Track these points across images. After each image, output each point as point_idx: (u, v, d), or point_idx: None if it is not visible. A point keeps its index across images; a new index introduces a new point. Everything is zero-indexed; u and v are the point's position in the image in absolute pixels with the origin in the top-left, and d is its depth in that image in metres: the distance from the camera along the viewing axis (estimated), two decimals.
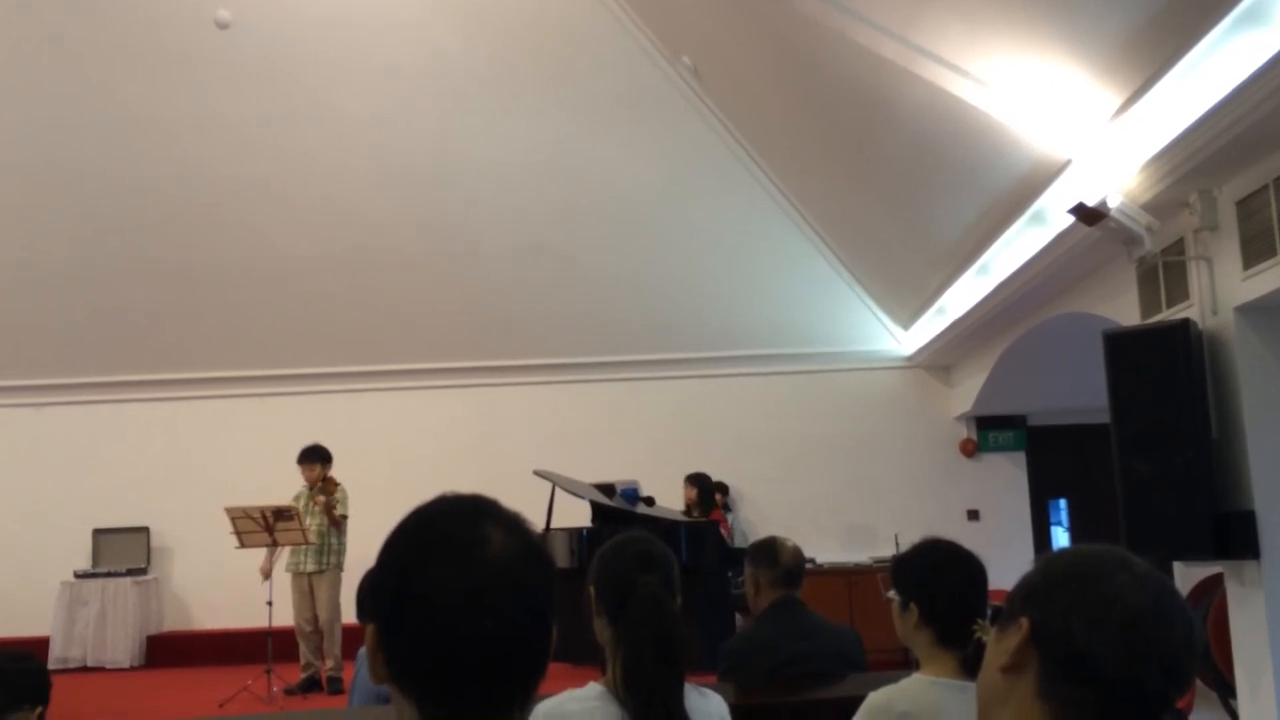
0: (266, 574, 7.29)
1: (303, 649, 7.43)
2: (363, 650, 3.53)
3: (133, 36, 8.48)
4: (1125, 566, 1.11)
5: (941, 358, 9.45)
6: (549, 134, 8.89)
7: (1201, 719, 5.20)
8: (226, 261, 9.23)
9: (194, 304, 9.44)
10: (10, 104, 8.64)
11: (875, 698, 2.17)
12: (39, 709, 3.00)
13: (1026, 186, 5.59)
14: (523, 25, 8.61)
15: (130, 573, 9.22)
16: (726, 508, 9.13)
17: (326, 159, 8.90)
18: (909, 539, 2.46)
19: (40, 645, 8.30)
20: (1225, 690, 4.83)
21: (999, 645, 1.15)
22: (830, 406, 9.65)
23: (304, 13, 8.48)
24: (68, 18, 8.41)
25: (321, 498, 7.44)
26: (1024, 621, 1.12)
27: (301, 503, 7.49)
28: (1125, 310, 5.44)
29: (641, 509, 7.82)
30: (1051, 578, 1.14)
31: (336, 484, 7.58)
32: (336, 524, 7.45)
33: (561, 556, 7.31)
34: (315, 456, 7.59)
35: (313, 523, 7.38)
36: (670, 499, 8.41)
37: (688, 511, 8.38)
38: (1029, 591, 1.15)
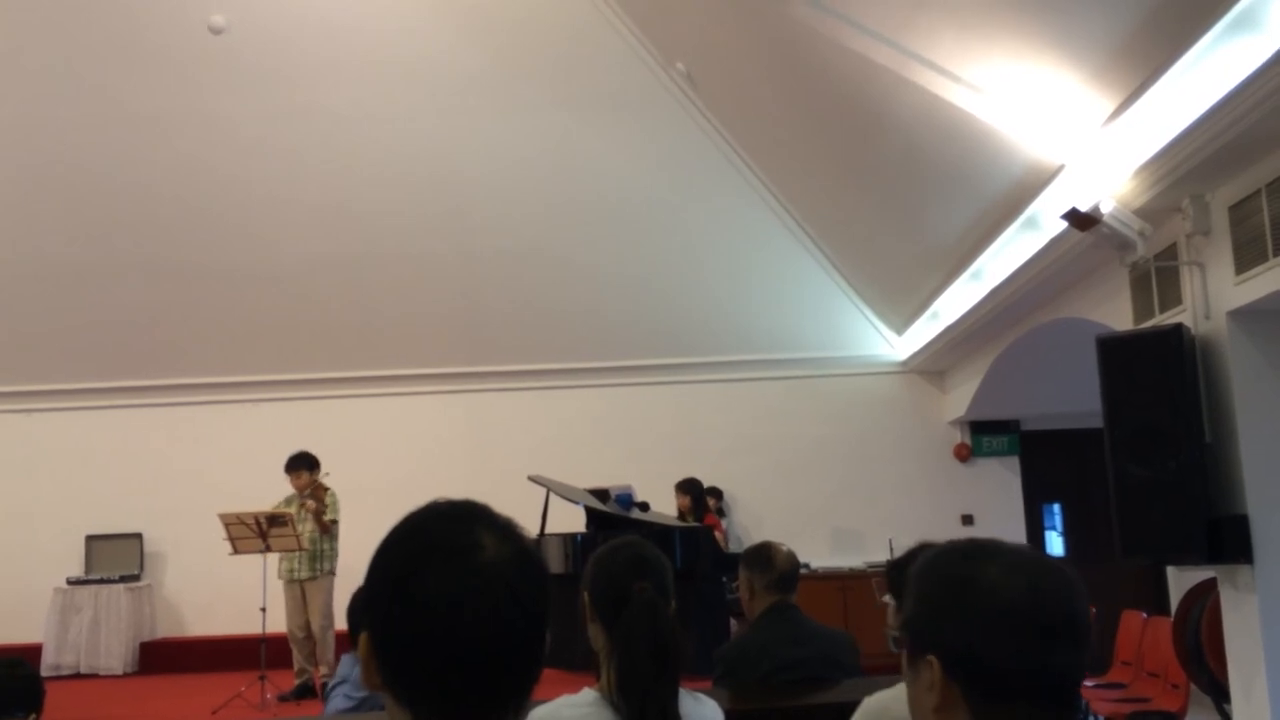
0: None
1: (296, 656, 7.39)
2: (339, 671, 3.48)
3: (132, 37, 8.49)
4: (994, 556, 1.12)
5: (935, 363, 9.45)
6: (547, 136, 8.91)
7: None
8: (224, 263, 9.21)
9: (189, 307, 9.40)
10: (10, 104, 8.62)
11: (870, 703, 2.17)
12: (31, 716, 2.99)
13: (1020, 192, 5.60)
14: (521, 28, 8.63)
15: (123, 579, 9.17)
16: (721, 512, 9.11)
17: (326, 159, 8.89)
18: (903, 544, 2.47)
19: (33, 652, 8.24)
20: (1219, 694, 4.83)
21: (919, 681, 1.14)
22: (824, 411, 9.65)
23: (304, 14, 8.50)
24: (67, 18, 8.40)
25: (311, 503, 7.38)
26: (932, 660, 1.11)
27: (292, 509, 7.45)
28: (1118, 315, 5.45)
29: (636, 514, 7.83)
30: (927, 593, 1.14)
31: (326, 489, 7.50)
32: (326, 529, 7.38)
33: (556, 562, 7.31)
34: (301, 464, 7.47)
35: (304, 529, 7.34)
36: (665, 504, 8.39)
37: (682, 518, 8.35)
38: (920, 620, 1.14)
